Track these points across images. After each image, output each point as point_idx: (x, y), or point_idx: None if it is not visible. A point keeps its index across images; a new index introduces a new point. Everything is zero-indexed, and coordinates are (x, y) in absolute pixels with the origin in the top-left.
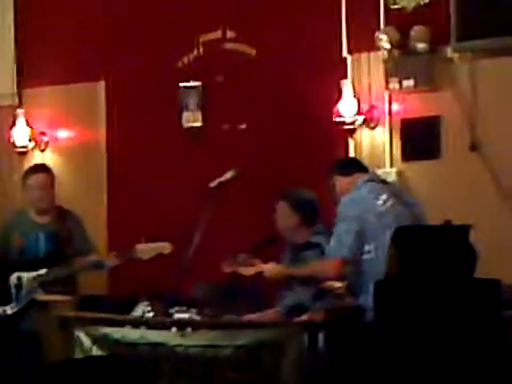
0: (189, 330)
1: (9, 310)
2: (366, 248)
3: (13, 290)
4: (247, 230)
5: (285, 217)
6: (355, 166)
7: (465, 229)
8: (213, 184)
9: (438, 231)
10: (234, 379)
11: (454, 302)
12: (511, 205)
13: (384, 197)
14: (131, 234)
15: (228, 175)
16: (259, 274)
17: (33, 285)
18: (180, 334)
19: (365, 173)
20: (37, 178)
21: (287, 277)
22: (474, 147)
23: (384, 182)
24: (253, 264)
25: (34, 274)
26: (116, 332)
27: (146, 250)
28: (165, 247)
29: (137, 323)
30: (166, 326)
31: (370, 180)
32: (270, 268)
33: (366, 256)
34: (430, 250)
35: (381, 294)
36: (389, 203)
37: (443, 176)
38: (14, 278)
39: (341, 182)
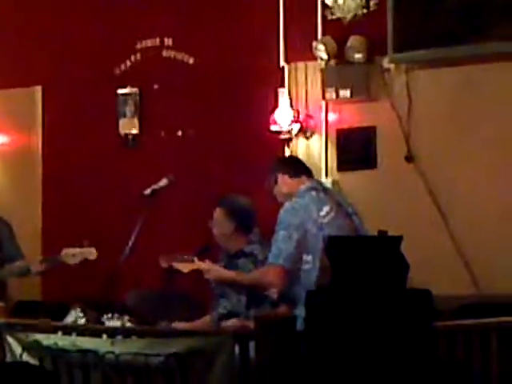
0: (119, 337)
1: None
2: (305, 258)
3: None
4: (182, 237)
5: (221, 223)
6: (302, 169)
7: (397, 239)
8: (146, 191)
9: (369, 242)
10: None
11: (385, 312)
12: (445, 216)
13: (327, 208)
14: (66, 240)
15: (162, 183)
16: (196, 272)
17: None
18: (110, 342)
19: (310, 177)
20: None
21: (228, 281)
22: (409, 158)
23: (326, 191)
24: (191, 261)
25: None
26: (46, 339)
27: (71, 254)
28: (91, 253)
29: (68, 330)
30: (96, 333)
31: (313, 188)
32: (212, 268)
33: (304, 266)
34: (361, 261)
35: (312, 304)
36: (331, 215)
37: (378, 186)
38: None
39: (285, 180)
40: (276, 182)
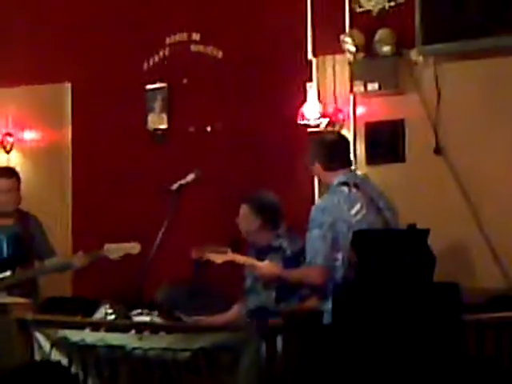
0: (147, 333)
1: None
2: (336, 256)
3: None
4: (210, 232)
5: (247, 220)
6: (338, 159)
7: (424, 233)
8: (173, 186)
9: (396, 235)
10: (192, 382)
11: (413, 305)
12: (474, 209)
13: (357, 206)
14: (95, 234)
15: (189, 178)
16: (228, 265)
17: None
18: (138, 337)
19: (345, 166)
20: (3, 182)
21: (278, 278)
22: (437, 150)
23: (357, 185)
24: (224, 252)
25: None
26: (75, 335)
27: (114, 249)
28: (134, 247)
29: (96, 326)
30: (124, 329)
31: (345, 183)
32: (265, 266)
33: (335, 263)
34: (388, 254)
35: (339, 297)
36: (361, 213)
37: (407, 179)
38: None
39: (319, 171)
40: (313, 165)
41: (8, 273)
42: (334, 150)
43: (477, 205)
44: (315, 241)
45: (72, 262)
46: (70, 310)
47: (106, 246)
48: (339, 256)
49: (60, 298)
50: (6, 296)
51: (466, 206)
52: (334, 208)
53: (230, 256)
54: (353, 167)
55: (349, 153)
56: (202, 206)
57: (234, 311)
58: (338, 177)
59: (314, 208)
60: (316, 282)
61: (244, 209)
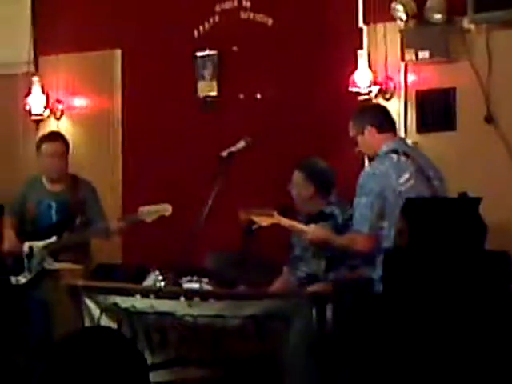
0: (197, 299)
1: (22, 279)
2: (382, 224)
3: (25, 260)
4: (260, 199)
5: (300, 187)
6: (389, 124)
7: (475, 201)
8: (223, 153)
9: (447, 203)
10: (241, 349)
11: (463, 274)
12: None
13: (406, 175)
14: (146, 201)
15: (239, 145)
16: (276, 227)
17: (43, 254)
18: (188, 304)
19: (394, 134)
20: (49, 146)
21: (326, 242)
22: (489, 119)
23: (407, 154)
24: (270, 215)
25: (44, 242)
26: (125, 301)
27: (147, 212)
28: (166, 209)
29: (146, 293)
30: (174, 296)
31: (394, 151)
32: (313, 230)
33: (381, 232)
34: (439, 222)
35: (390, 265)
36: (410, 183)
37: (458, 148)
38: (25, 247)
39: (372, 134)
40: (363, 133)
41: (54, 238)
42: (386, 113)
43: None
44: (362, 208)
45: (109, 227)
46: (120, 276)
47: (140, 210)
48: (385, 224)
49: (110, 264)
50: (53, 262)
51: None
52: (383, 176)
53: (276, 219)
54: (402, 135)
55: (395, 122)
56: (253, 173)
57: (282, 280)
58: (387, 143)
59: (362, 174)
60: (362, 250)
61: (297, 176)
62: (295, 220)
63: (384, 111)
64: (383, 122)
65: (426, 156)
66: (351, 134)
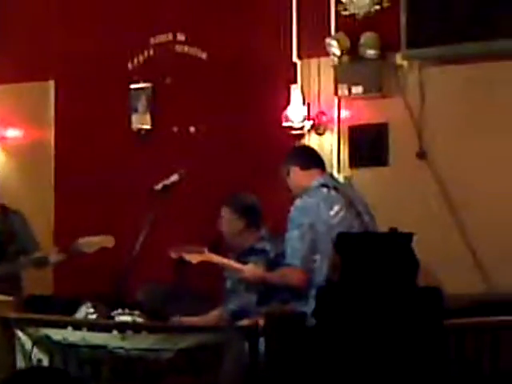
0: (130, 332)
1: None
2: (313, 257)
3: None
4: (192, 232)
5: (230, 222)
6: (314, 160)
7: (408, 236)
8: (157, 186)
9: (380, 238)
10: (174, 382)
11: (395, 309)
12: (457, 213)
13: (336, 208)
14: (78, 232)
15: (173, 178)
16: (205, 265)
17: None
18: (121, 337)
19: (322, 170)
20: None
21: (261, 280)
22: (421, 155)
23: (337, 188)
24: (201, 252)
25: None
26: (57, 333)
27: (89, 243)
28: (108, 240)
29: (78, 325)
30: (107, 329)
31: (324, 185)
32: (248, 269)
33: (313, 265)
34: (372, 257)
35: (322, 300)
36: (340, 215)
37: (390, 183)
38: None
39: (296, 173)
40: (288, 174)
41: None
42: (309, 152)
43: (459, 210)
44: (294, 241)
45: (48, 257)
46: (51, 308)
47: (81, 240)
48: (317, 257)
49: (40, 296)
50: None
51: (448, 210)
52: (313, 208)
53: (207, 256)
54: (332, 172)
55: (323, 160)
56: (185, 206)
57: (216, 313)
58: (316, 178)
59: (292, 208)
60: (294, 284)
61: (226, 211)
62: (226, 256)
63: (307, 150)
64: (306, 160)
65: (357, 191)
66: (282, 180)
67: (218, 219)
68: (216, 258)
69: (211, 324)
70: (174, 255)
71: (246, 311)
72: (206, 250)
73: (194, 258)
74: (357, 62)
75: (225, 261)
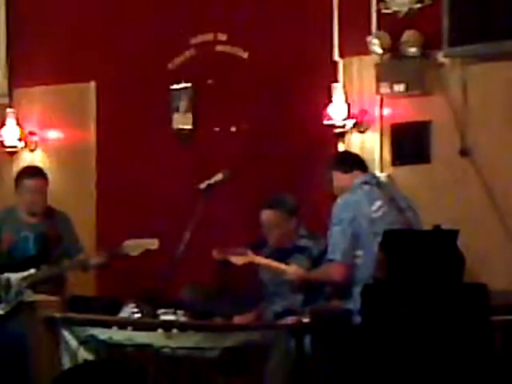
0: (175, 331)
1: None
2: (356, 253)
3: (2, 291)
4: (236, 232)
5: (281, 224)
6: (355, 164)
7: (453, 233)
8: (201, 186)
9: (426, 235)
10: (220, 381)
11: (442, 306)
12: (500, 210)
13: (378, 203)
14: (120, 234)
15: (217, 177)
16: (249, 266)
17: (21, 285)
18: (166, 336)
19: (363, 171)
20: (32, 183)
21: (305, 279)
22: (463, 152)
23: (379, 185)
24: (245, 254)
25: (22, 274)
26: (102, 333)
27: (133, 246)
28: (152, 243)
29: (123, 324)
30: (152, 328)
31: (366, 182)
32: (293, 270)
33: (355, 261)
34: (418, 255)
35: (368, 298)
36: (382, 210)
37: (433, 181)
38: (2, 279)
39: (338, 177)
40: (331, 178)
41: (32, 271)
42: (351, 156)
43: (503, 206)
44: (335, 237)
45: (90, 260)
46: (95, 309)
47: (125, 243)
48: (360, 253)
49: (84, 296)
50: (32, 294)
51: (491, 207)
52: (355, 204)
53: (250, 258)
54: (374, 170)
55: (364, 162)
56: (229, 205)
57: (257, 313)
58: (358, 178)
59: (335, 205)
60: (335, 279)
61: (274, 214)
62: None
63: (348, 154)
64: (346, 164)
65: (399, 189)
66: (327, 186)
67: (263, 220)
68: (260, 259)
69: (256, 323)
70: (217, 256)
71: (291, 311)
72: (249, 251)
73: (238, 260)
74: (398, 60)
75: (269, 262)
